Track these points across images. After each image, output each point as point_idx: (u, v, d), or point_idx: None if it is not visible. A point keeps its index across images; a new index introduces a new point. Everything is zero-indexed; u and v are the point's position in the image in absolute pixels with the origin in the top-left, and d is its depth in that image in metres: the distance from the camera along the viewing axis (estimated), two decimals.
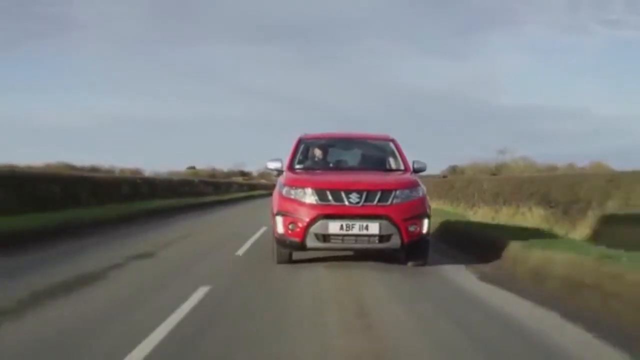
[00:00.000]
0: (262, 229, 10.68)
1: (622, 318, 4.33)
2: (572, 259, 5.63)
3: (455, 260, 7.48)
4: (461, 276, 6.38)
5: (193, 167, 65.84)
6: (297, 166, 7.70)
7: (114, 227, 11.83)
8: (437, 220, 10.40)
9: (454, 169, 40.13)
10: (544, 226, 10.55)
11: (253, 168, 73.27)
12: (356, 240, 6.36)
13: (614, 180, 10.26)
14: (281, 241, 6.68)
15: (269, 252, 7.21)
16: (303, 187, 6.57)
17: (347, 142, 8.51)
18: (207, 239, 10.12)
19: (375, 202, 6.38)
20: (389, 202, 6.40)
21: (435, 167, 38.30)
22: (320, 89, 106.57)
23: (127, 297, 5.11)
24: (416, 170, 7.50)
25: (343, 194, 6.39)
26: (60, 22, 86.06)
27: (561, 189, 11.50)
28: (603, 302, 4.68)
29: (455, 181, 21.91)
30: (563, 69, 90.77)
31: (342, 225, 6.29)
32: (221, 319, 4.36)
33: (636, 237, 7.34)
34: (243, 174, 71.99)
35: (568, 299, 5.09)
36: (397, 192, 6.49)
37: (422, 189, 6.84)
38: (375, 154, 8.15)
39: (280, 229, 6.57)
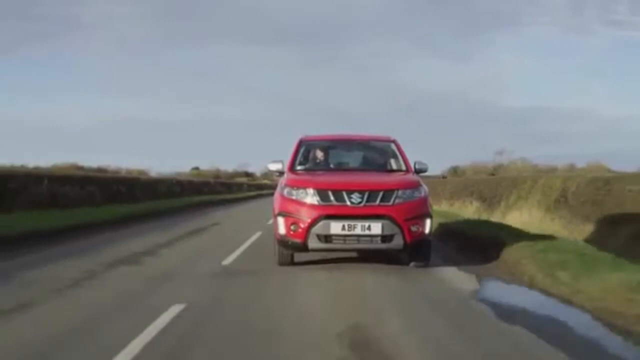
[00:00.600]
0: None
1: None
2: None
3: None
4: None
5: (197, 168, 65.94)
6: (298, 167, 7.68)
7: (179, 212, 18.15)
8: None
9: (455, 170, 40.06)
10: (476, 214, 15.22)
11: (256, 169, 73.41)
12: (358, 241, 6.33)
13: (514, 182, 14.88)
14: (283, 242, 6.65)
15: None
16: (304, 187, 6.55)
17: (348, 143, 8.49)
18: (247, 218, 15.73)
19: (377, 202, 6.36)
20: (391, 202, 6.38)
21: (437, 168, 38.44)
22: (324, 90, 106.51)
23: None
24: (418, 171, 7.49)
25: (345, 194, 6.37)
26: (64, 23, 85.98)
27: (489, 188, 16.35)
28: None
29: (436, 183, 23.37)
30: (567, 70, 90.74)
31: (344, 226, 6.27)
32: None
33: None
34: (247, 174, 72.12)
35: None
36: (399, 192, 6.47)
37: (424, 189, 6.83)
38: (377, 155, 8.14)
39: (281, 229, 6.54)
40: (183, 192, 27.10)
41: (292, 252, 6.83)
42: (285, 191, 6.69)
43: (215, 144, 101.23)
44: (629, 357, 3.62)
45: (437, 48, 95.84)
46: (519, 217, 12.40)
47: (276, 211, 6.72)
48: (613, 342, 3.87)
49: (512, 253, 6.96)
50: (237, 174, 69.98)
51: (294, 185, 6.68)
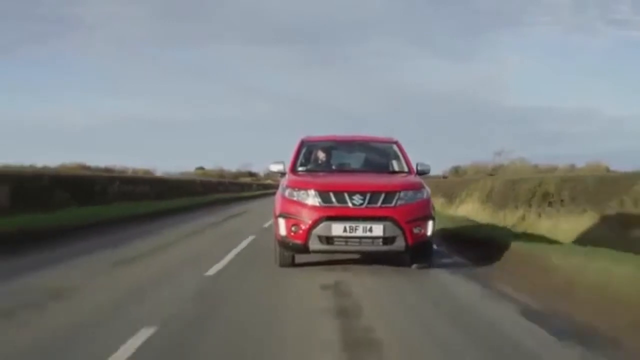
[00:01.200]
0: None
1: None
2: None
3: None
4: None
5: (202, 168, 66.03)
6: (300, 168, 7.64)
7: (218, 204, 24.46)
8: None
9: (456, 170, 40.00)
10: (440, 208, 17.60)
11: (259, 168, 73.53)
12: (360, 243, 6.29)
13: (466, 183, 20.08)
14: (284, 243, 6.60)
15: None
16: (306, 188, 6.50)
17: (350, 144, 8.44)
18: (266, 208, 16.61)
19: (379, 203, 6.31)
20: (393, 204, 6.33)
21: (439, 168, 38.51)
22: (326, 90, 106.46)
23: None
24: (420, 173, 7.44)
25: (346, 196, 6.32)
26: (65, 23, 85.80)
27: (451, 188, 21.11)
28: None
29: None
30: (569, 70, 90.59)
31: (345, 227, 6.22)
32: None
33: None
34: (251, 174, 72.26)
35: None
36: (401, 193, 6.43)
37: (427, 190, 6.78)
38: (379, 156, 8.09)
39: (282, 231, 6.50)
40: (205, 191, 30.81)
41: (292, 253, 6.79)
42: (287, 192, 6.65)
43: (217, 144, 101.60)
44: None
45: (438, 48, 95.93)
46: (466, 208, 17.19)
47: (277, 212, 6.68)
48: None
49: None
50: (240, 174, 70.21)
51: (295, 186, 6.64)
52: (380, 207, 6.30)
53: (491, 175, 30.40)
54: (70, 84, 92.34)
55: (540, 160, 37.58)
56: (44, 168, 23.31)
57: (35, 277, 6.11)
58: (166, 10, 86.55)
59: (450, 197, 20.13)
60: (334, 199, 6.34)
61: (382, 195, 6.34)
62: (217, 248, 8.53)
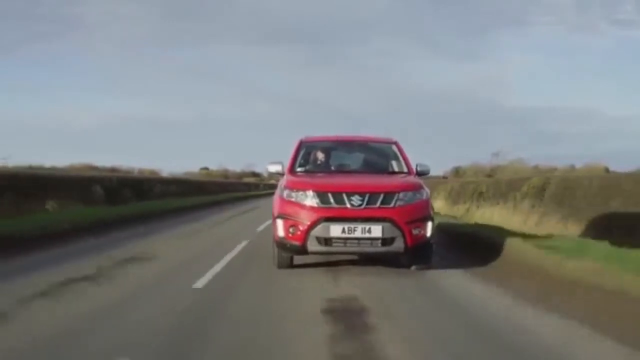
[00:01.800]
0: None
1: None
2: None
3: None
4: None
5: (206, 168, 66.22)
6: (298, 169, 7.58)
7: (239, 200, 30.76)
8: None
9: (457, 171, 39.95)
10: None
11: (262, 169, 73.45)
12: (359, 244, 6.22)
13: (436, 184, 22.60)
14: (282, 245, 6.55)
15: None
16: (304, 189, 6.44)
17: (348, 145, 8.37)
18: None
19: (377, 204, 6.25)
20: (392, 205, 6.27)
21: (440, 169, 38.56)
22: (327, 90, 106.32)
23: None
24: (419, 173, 7.38)
25: (345, 197, 6.26)
26: (67, 23, 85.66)
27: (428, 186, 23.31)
28: None
29: None
30: (572, 70, 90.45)
31: (344, 229, 6.16)
32: None
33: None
34: (254, 174, 72.37)
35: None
36: (401, 194, 6.36)
37: (426, 191, 6.72)
38: (378, 156, 8.03)
39: (280, 232, 6.44)
40: (220, 190, 35.34)
41: (291, 255, 6.73)
42: (285, 193, 6.59)
43: (218, 144, 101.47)
44: None
45: (438, 48, 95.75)
46: (435, 204, 21.57)
47: (275, 213, 6.62)
48: None
49: None
50: (244, 174, 70.37)
51: (294, 187, 6.58)
52: (379, 208, 6.24)
53: (489, 176, 30.38)
54: (70, 84, 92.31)
55: (541, 161, 37.56)
56: (71, 167, 27.89)
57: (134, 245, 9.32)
58: (166, 10, 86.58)
59: None
60: (332, 200, 6.28)
61: (381, 196, 6.28)
62: (253, 224, 13.06)
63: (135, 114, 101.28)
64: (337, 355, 3.57)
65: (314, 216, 6.23)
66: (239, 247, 8.77)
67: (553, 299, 5.10)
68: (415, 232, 6.28)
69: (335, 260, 7.21)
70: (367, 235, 6.16)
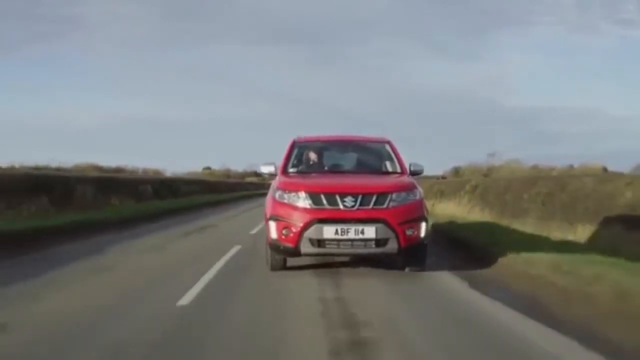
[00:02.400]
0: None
1: None
2: None
3: None
4: None
5: (209, 168, 66.09)
6: (291, 170, 7.50)
7: (251, 196, 35.23)
8: None
9: (456, 171, 39.91)
10: None
11: None
12: (352, 245, 6.14)
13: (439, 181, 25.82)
14: (274, 247, 6.48)
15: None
16: (296, 191, 6.37)
17: (342, 144, 8.30)
18: None
19: (371, 205, 6.17)
20: (385, 206, 6.19)
21: (440, 169, 38.51)
22: (327, 90, 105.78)
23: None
24: (413, 173, 7.30)
25: (338, 198, 6.18)
26: (67, 23, 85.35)
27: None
28: None
29: None
30: (573, 70, 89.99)
31: (337, 230, 6.08)
32: None
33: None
34: (257, 174, 72.35)
35: None
36: (394, 195, 6.29)
37: (419, 191, 6.64)
38: (371, 156, 7.94)
39: (273, 234, 6.37)
40: (230, 190, 38.79)
41: (284, 257, 6.66)
42: (277, 194, 6.51)
43: (218, 144, 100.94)
44: None
45: (439, 48, 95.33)
46: None
47: (268, 215, 6.54)
48: None
49: None
50: (247, 174, 70.39)
51: (286, 188, 6.50)
52: (373, 208, 6.16)
53: (485, 176, 30.33)
54: (70, 84, 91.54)
55: (541, 161, 37.48)
56: (75, 167, 29.02)
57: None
58: (166, 10, 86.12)
59: None
60: (325, 201, 6.20)
61: (374, 197, 6.20)
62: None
63: (136, 114, 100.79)
64: None
65: (306, 218, 6.16)
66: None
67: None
68: (408, 232, 6.20)
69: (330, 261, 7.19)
70: (360, 236, 6.09)
